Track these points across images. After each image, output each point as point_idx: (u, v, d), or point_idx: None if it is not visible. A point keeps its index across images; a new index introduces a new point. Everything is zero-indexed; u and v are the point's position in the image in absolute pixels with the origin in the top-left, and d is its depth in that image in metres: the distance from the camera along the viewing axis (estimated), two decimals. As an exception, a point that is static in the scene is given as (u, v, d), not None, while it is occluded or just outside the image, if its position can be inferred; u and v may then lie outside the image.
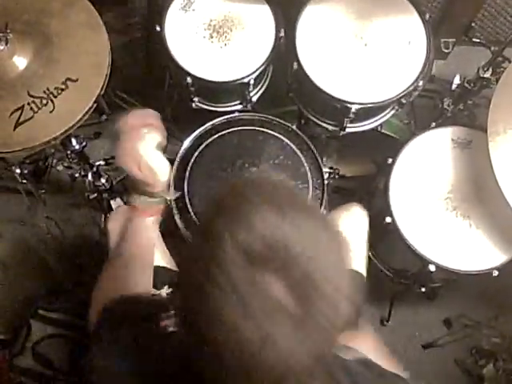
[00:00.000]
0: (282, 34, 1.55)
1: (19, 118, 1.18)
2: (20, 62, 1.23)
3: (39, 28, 1.25)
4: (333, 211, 1.50)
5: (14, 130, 1.19)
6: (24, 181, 1.85)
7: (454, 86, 1.80)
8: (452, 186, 1.54)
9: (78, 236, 2.11)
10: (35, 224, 2.05)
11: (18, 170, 1.80)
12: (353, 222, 1.45)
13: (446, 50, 2.26)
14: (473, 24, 1.92)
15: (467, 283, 1.75)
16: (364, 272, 1.38)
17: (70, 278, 2.05)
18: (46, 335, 1.68)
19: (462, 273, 1.47)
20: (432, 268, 1.46)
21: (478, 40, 1.87)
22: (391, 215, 1.49)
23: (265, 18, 1.59)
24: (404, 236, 1.48)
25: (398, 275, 1.76)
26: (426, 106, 2.00)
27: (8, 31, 1.16)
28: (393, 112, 1.67)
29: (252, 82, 1.53)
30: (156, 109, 2.12)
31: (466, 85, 1.76)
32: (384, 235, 1.56)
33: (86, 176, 1.80)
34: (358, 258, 1.39)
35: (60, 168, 1.98)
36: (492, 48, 1.72)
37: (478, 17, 2.07)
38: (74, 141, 1.59)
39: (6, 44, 1.18)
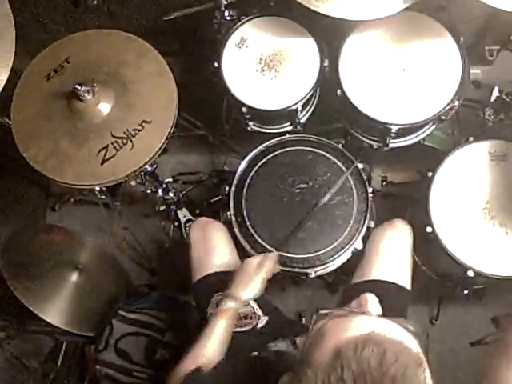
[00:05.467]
0: (326, 63, 1.67)
1: (105, 155, 1.37)
2: (104, 107, 1.42)
3: (118, 78, 1.43)
4: (379, 227, 1.61)
5: (101, 165, 1.38)
6: (102, 196, 2.09)
7: (492, 98, 1.84)
8: (489, 197, 1.61)
9: (149, 243, 2.30)
10: (112, 232, 2.24)
11: (97, 187, 2.03)
12: (398, 238, 1.55)
13: (491, 58, 2.31)
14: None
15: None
16: (409, 285, 1.48)
17: (143, 281, 2.25)
18: (126, 333, 1.86)
19: (499, 278, 1.55)
20: (470, 274, 1.54)
21: (517, 51, 1.92)
22: (431, 225, 1.59)
23: (310, 50, 1.70)
24: (444, 244, 1.57)
25: (443, 279, 1.84)
26: (469, 116, 2.02)
27: (95, 85, 1.36)
28: (433, 127, 1.76)
29: (300, 108, 1.67)
30: (216, 127, 2.29)
31: (505, 97, 1.80)
32: (426, 243, 1.64)
33: (157, 192, 2.00)
34: (403, 273, 1.49)
35: (133, 183, 2.19)
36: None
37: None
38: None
39: (94, 95, 1.37)
